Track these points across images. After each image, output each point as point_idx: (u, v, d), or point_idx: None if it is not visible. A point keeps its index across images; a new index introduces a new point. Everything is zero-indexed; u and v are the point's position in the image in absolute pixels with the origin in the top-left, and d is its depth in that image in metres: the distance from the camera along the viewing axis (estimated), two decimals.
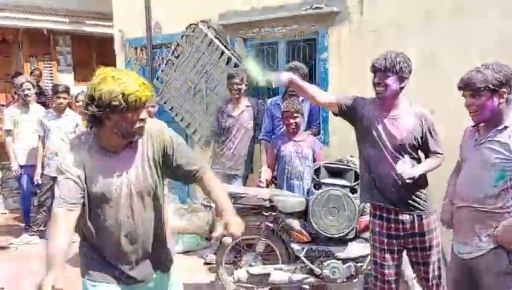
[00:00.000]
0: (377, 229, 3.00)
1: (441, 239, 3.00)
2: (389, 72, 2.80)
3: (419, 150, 2.98)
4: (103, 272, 2.16)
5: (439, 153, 2.95)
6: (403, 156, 2.84)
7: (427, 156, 2.98)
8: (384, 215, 2.95)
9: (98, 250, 2.16)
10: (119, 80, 1.93)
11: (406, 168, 2.78)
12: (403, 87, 2.87)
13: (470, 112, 2.47)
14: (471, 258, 2.47)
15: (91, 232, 2.12)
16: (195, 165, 2.26)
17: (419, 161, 2.94)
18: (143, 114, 2.02)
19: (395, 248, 2.97)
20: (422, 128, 2.89)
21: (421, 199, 2.91)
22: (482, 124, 2.50)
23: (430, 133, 2.92)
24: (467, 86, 2.42)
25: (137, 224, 2.14)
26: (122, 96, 1.91)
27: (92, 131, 2.10)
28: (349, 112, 3.03)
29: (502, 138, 2.38)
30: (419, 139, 2.89)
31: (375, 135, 2.90)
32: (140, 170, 2.12)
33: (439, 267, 2.97)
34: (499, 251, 2.37)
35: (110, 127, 2.00)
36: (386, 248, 2.97)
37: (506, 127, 2.40)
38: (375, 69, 2.86)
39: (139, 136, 2.07)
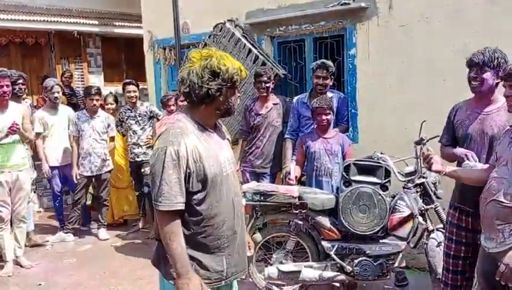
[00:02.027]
0: (450, 218, 3.06)
1: None
2: (486, 67, 2.80)
3: None
4: (208, 271, 2.14)
5: None
6: (491, 154, 2.80)
7: None
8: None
9: (204, 245, 2.13)
10: (229, 58, 2.11)
11: (472, 164, 2.76)
12: (498, 83, 2.84)
13: (508, 102, 2.49)
14: (496, 252, 2.44)
15: (207, 218, 2.10)
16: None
17: None
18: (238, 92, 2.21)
19: (463, 241, 2.97)
20: None
21: None
22: None
23: None
24: (509, 77, 2.44)
25: (240, 204, 2.27)
26: (240, 72, 2.11)
27: (186, 112, 2.16)
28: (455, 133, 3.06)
29: None
30: None
31: (464, 132, 2.91)
32: (229, 150, 2.29)
33: None
34: None
35: (221, 102, 2.12)
36: (454, 238, 3.01)
37: None
38: (471, 64, 2.86)
39: (231, 114, 2.25)
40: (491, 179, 2.50)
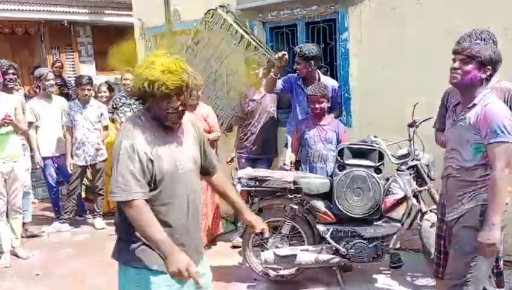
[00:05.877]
0: (440, 199, 3.08)
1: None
2: None
3: None
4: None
5: None
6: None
7: None
8: None
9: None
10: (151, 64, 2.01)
11: None
12: None
13: (453, 74, 2.57)
14: (453, 219, 2.66)
15: (160, 215, 2.08)
16: (216, 160, 2.49)
17: None
18: (175, 103, 2.04)
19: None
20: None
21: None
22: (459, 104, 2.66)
23: None
24: (462, 51, 2.54)
25: (197, 201, 2.25)
26: (148, 83, 1.98)
27: (147, 109, 2.12)
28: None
29: (471, 118, 2.52)
30: None
31: (449, 116, 2.90)
32: (193, 147, 2.24)
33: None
34: (475, 208, 2.54)
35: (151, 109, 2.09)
36: (440, 217, 3.02)
37: (474, 105, 2.53)
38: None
39: (173, 124, 2.11)
40: (446, 160, 2.73)
